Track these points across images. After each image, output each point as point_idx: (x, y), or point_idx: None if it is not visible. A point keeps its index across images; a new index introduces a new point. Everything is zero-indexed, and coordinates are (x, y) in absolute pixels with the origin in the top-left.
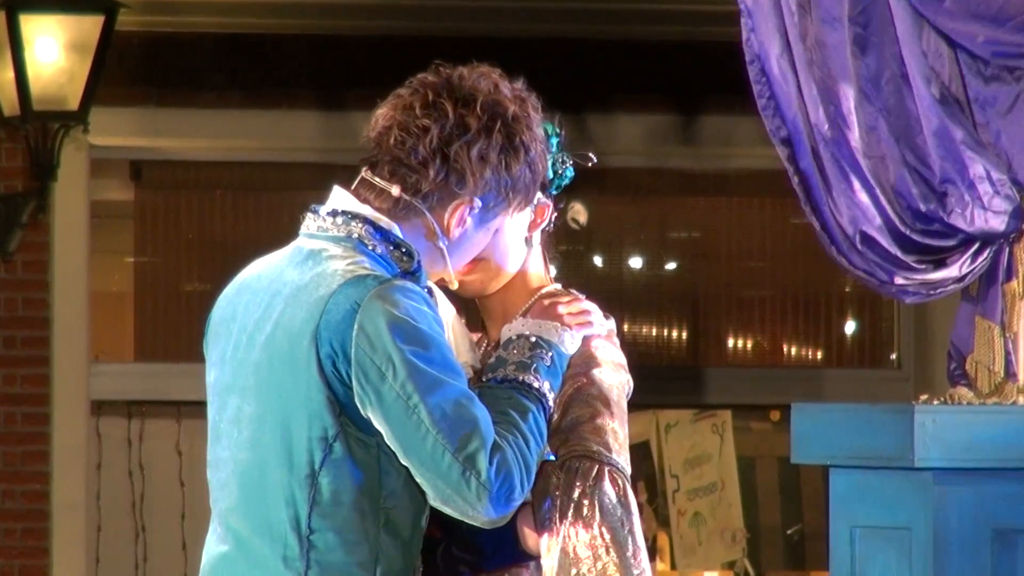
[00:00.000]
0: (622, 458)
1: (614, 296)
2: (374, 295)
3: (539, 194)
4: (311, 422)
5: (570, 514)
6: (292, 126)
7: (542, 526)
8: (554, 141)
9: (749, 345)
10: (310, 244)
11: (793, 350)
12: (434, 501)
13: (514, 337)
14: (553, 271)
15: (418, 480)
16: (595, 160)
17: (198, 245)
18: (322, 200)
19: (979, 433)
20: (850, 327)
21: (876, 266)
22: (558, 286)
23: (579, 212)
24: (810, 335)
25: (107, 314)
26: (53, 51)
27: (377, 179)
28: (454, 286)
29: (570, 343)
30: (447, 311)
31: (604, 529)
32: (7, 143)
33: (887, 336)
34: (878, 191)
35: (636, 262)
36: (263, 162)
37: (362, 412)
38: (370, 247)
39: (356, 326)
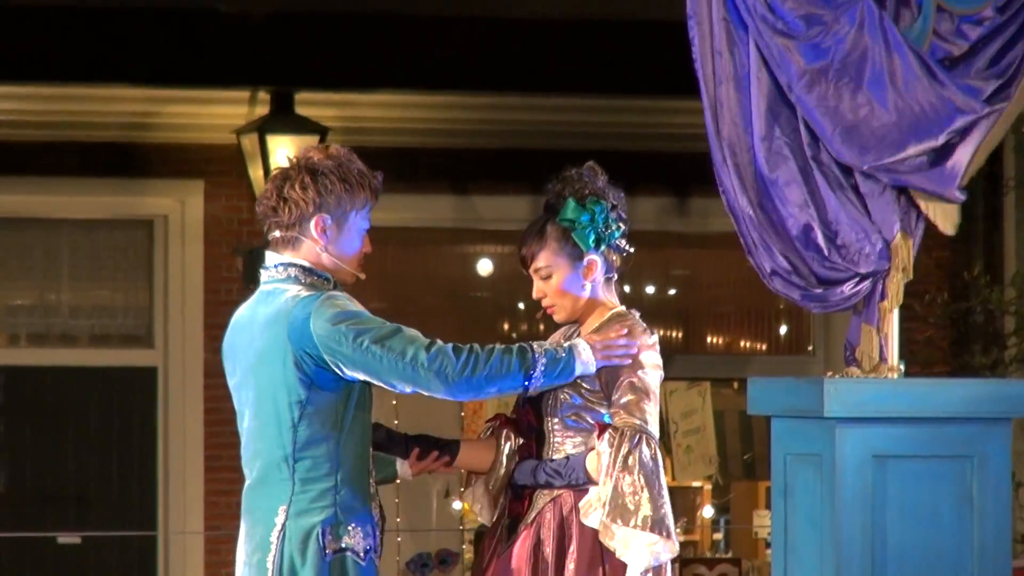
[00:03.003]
0: (654, 428)
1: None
2: (316, 306)
3: (590, 252)
4: (289, 394)
5: (619, 463)
6: (431, 204)
7: (601, 466)
8: (601, 215)
9: (720, 341)
10: (268, 288)
11: (748, 344)
12: (412, 391)
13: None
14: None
15: (397, 387)
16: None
17: (373, 281)
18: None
19: (864, 395)
20: (783, 329)
21: (791, 288)
22: (622, 308)
23: None
24: (758, 335)
25: None
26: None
27: (269, 236)
28: (362, 276)
29: (588, 362)
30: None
31: (641, 475)
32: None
33: (806, 335)
34: (789, 247)
35: (650, 289)
36: (411, 227)
37: (343, 373)
38: (304, 280)
39: (312, 328)
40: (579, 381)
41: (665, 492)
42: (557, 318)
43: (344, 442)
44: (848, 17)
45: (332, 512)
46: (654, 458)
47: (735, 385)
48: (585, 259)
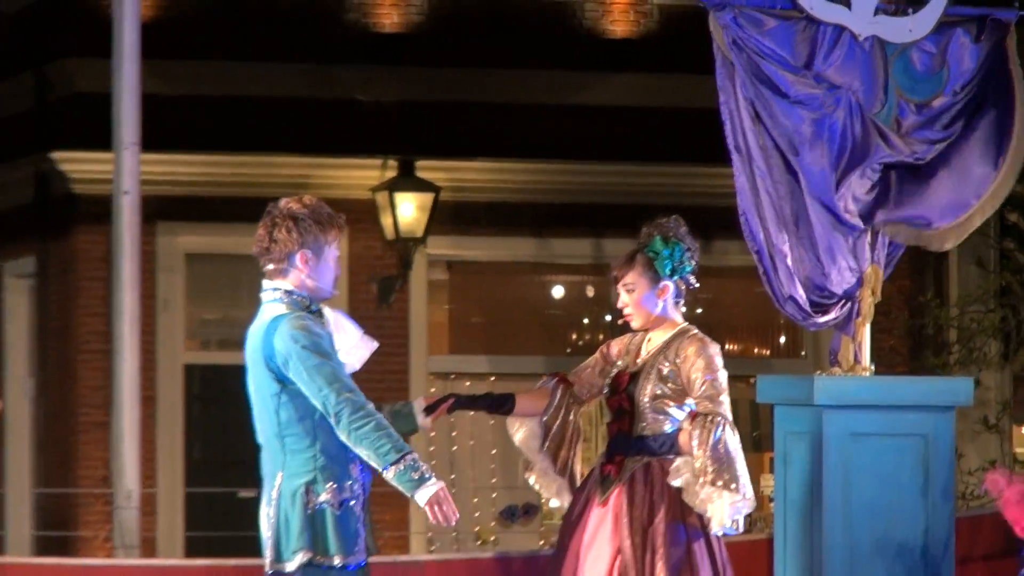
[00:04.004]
0: (730, 416)
1: None
2: (283, 324)
3: (665, 279)
4: (269, 387)
5: (709, 441)
6: (517, 244)
7: (692, 442)
8: (678, 253)
9: (735, 348)
10: (263, 306)
11: (756, 350)
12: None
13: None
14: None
15: (314, 404)
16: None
17: (474, 303)
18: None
19: (844, 388)
20: (782, 339)
21: (796, 312)
22: (686, 325)
23: None
24: (764, 342)
25: (436, 332)
26: (410, 210)
27: (264, 268)
28: (336, 293)
29: (422, 497)
30: (343, 322)
31: (725, 450)
32: (389, 251)
33: (800, 343)
34: (797, 278)
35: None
36: (503, 262)
37: (292, 378)
38: (286, 300)
39: (275, 339)
40: (667, 378)
41: (743, 463)
42: (633, 325)
43: (319, 421)
44: (835, 100)
45: (313, 475)
46: (734, 437)
47: (749, 381)
48: (660, 283)
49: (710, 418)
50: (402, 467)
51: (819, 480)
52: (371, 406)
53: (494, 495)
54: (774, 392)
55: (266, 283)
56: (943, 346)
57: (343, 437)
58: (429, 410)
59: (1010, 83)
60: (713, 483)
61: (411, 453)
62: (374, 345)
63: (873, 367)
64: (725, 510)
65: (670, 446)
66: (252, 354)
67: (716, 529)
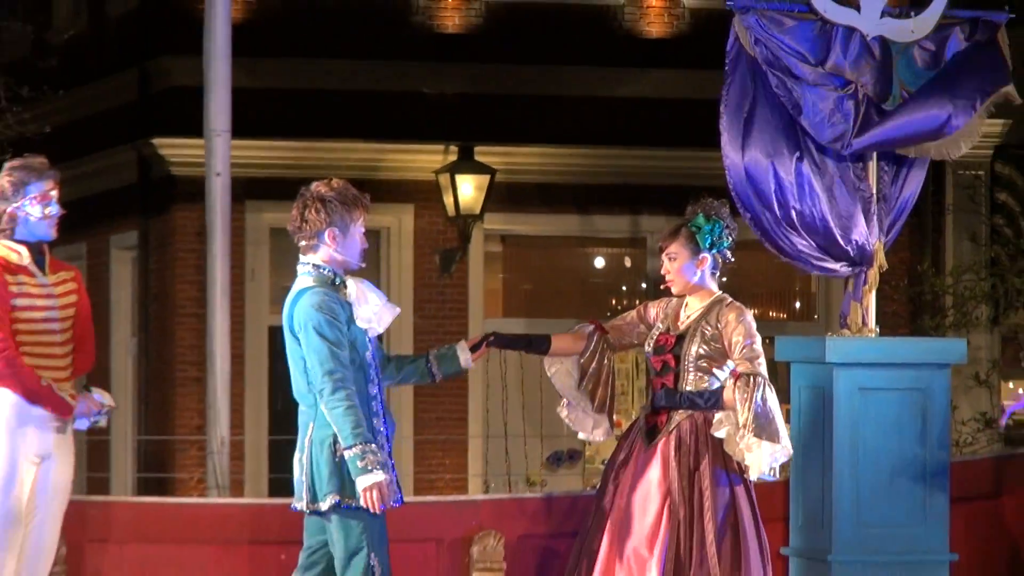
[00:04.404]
0: (767, 376)
1: None
2: (304, 298)
3: (704, 251)
4: (296, 350)
5: (751, 397)
6: (563, 220)
7: (736, 398)
8: (718, 229)
9: (756, 312)
10: (296, 278)
11: (774, 314)
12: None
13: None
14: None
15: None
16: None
17: (524, 273)
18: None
19: (852, 348)
20: (797, 305)
21: (801, 262)
22: (721, 293)
23: None
24: (781, 307)
25: (491, 298)
26: (469, 190)
27: (298, 244)
28: (363, 265)
29: (361, 481)
30: (367, 292)
31: (764, 406)
32: (450, 227)
33: (813, 308)
34: (806, 237)
35: None
36: (550, 235)
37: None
38: (313, 274)
39: (296, 311)
40: (710, 340)
41: (781, 416)
42: (673, 290)
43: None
44: (846, 89)
45: None
46: (772, 394)
47: (766, 341)
48: (700, 255)
49: (752, 377)
50: (351, 454)
51: (830, 430)
52: (350, 391)
53: (542, 442)
54: (790, 351)
55: (300, 257)
56: (939, 310)
57: (322, 409)
58: (473, 349)
59: (999, 50)
60: (757, 435)
61: (366, 444)
62: (396, 311)
63: (878, 329)
64: (765, 459)
65: (715, 401)
66: (284, 321)
67: (754, 475)
